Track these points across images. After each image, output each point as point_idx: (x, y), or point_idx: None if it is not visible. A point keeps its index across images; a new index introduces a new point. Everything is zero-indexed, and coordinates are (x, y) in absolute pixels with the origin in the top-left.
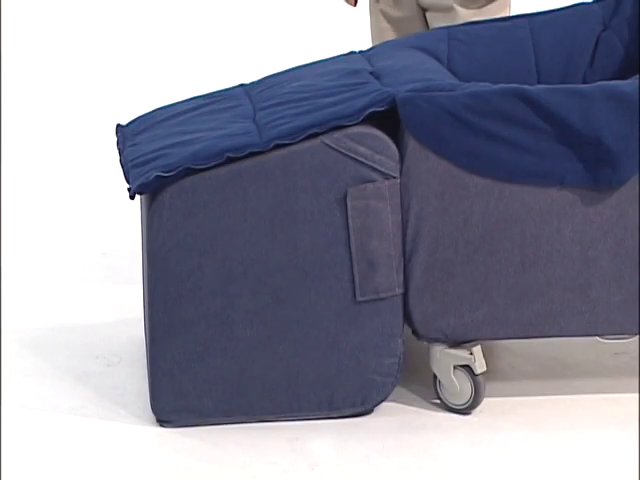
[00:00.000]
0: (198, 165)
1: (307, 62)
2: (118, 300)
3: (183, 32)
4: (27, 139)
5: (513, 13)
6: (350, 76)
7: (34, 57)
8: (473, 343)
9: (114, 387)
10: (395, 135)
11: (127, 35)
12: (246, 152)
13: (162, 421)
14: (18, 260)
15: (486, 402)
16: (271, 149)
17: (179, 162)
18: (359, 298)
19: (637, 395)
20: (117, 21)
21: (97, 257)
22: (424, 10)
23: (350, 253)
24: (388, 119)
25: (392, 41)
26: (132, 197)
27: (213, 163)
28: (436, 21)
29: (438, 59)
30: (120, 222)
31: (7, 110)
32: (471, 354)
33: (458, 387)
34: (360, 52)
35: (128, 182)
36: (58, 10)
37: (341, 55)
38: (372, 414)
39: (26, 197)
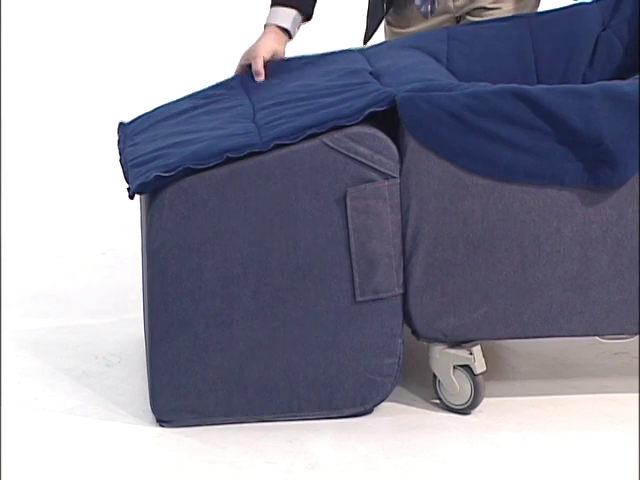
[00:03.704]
0: (198, 165)
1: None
2: (118, 300)
3: (183, 31)
4: (27, 139)
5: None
6: (350, 76)
7: (34, 56)
8: (473, 343)
9: (114, 387)
10: (395, 135)
11: (127, 34)
12: (245, 152)
13: (162, 421)
14: (18, 260)
15: (486, 402)
16: (271, 149)
17: (179, 162)
18: (359, 298)
19: (637, 395)
20: (118, 20)
21: (97, 257)
22: (458, 19)
23: (350, 253)
24: (388, 119)
25: (392, 41)
26: (131, 197)
27: (213, 163)
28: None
29: (437, 59)
30: (120, 222)
31: (7, 110)
32: (471, 354)
33: (458, 387)
34: (359, 50)
35: (128, 182)
36: (58, 9)
37: (339, 51)
38: (372, 414)
39: (26, 197)
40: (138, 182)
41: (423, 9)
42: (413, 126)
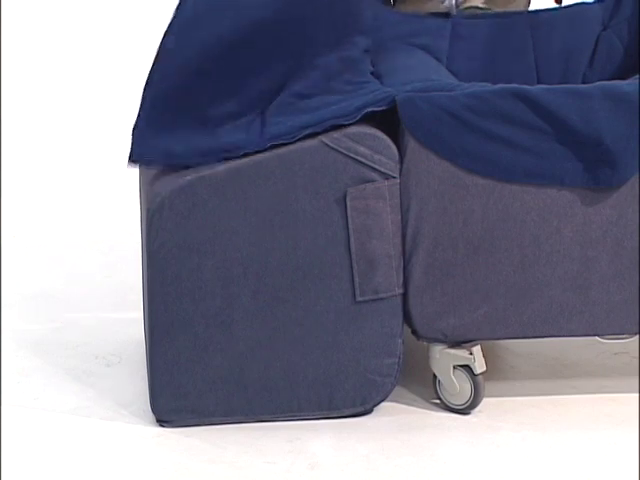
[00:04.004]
0: (195, 162)
1: None
2: (118, 300)
3: None
4: (27, 137)
5: None
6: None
7: (33, 55)
8: (473, 343)
9: (114, 387)
10: (395, 135)
11: (129, 35)
12: (240, 154)
13: (162, 421)
14: (18, 259)
15: (486, 402)
16: (270, 148)
17: (180, 157)
18: (359, 298)
19: (637, 395)
20: (120, 19)
21: (97, 257)
22: None
23: (350, 253)
24: (388, 119)
25: (393, 35)
26: (130, 163)
27: (211, 161)
28: None
29: (438, 58)
30: (120, 221)
31: (7, 110)
32: (471, 354)
33: (458, 387)
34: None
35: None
36: (61, 8)
37: None
38: (372, 414)
39: (26, 196)
40: (139, 152)
41: (447, 3)
42: (413, 126)
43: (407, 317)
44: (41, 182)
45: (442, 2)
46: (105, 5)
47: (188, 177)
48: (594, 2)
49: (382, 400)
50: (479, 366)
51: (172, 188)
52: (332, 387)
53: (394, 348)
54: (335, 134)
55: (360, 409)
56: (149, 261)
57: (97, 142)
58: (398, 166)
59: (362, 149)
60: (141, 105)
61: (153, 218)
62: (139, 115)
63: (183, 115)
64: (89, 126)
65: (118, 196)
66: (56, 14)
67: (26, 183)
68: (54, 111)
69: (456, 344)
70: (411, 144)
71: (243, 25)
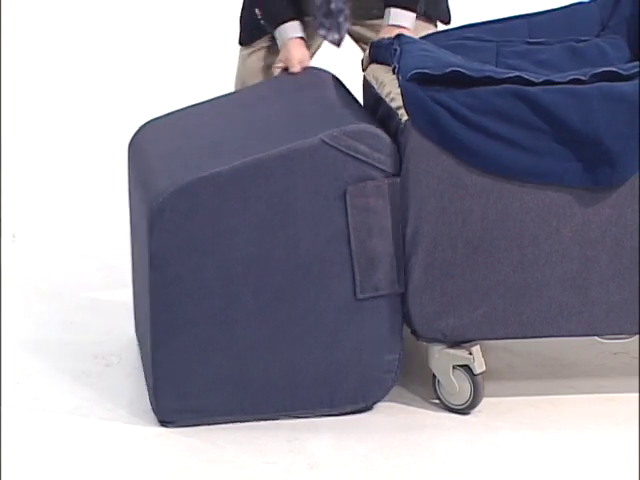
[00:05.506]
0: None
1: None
2: (118, 300)
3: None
4: (27, 137)
5: (513, 13)
6: None
7: (35, 55)
8: (472, 343)
9: (114, 387)
10: (395, 134)
11: (129, 35)
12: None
13: (164, 421)
14: (18, 260)
15: (485, 402)
16: (271, 149)
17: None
18: (359, 295)
19: (637, 395)
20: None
21: (97, 257)
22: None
23: (350, 251)
24: (388, 119)
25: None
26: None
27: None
28: None
29: None
30: (120, 222)
31: (7, 110)
32: (470, 354)
33: (457, 387)
34: None
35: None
36: (63, 12)
37: None
38: (371, 414)
39: (26, 196)
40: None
41: (330, 38)
42: (415, 113)
43: (406, 317)
44: (41, 182)
45: (324, 37)
46: (105, 5)
47: (188, 178)
48: (592, 2)
49: (383, 396)
50: (478, 366)
51: (173, 189)
52: (333, 384)
53: (395, 344)
54: (335, 132)
55: (361, 406)
56: (150, 262)
57: (97, 142)
58: (398, 164)
59: (362, 147)
60: None
61: (154, 219)
62: None
63: None
64: (89, 126)
65: (118, 196)
66: (56, 13)
67: (26, 183)
68: (54, 111)
69: (455, 344)
70: (410, 143)
71: None
